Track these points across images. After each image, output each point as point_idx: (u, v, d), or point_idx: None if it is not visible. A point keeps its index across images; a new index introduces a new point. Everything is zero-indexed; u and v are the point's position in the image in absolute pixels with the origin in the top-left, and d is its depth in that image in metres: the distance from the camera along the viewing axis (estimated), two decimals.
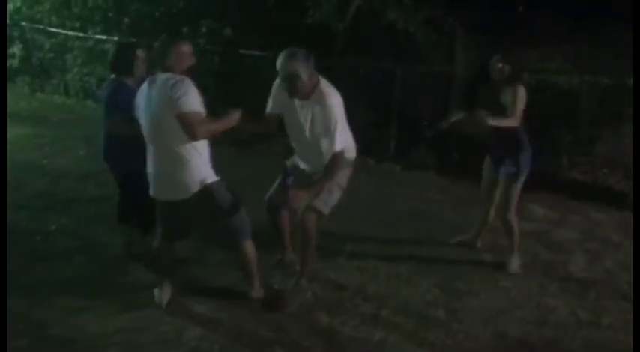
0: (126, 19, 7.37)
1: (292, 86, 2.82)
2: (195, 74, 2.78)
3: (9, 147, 6.12)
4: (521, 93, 3.25)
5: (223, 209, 2.82)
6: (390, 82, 5.54)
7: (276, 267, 3.39)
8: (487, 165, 3.63)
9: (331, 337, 2.81)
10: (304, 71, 2.78)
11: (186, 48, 2.77)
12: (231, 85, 5.87)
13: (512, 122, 3.24)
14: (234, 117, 2.83)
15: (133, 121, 2.84)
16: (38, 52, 8.69)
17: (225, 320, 2.94)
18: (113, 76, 3.38)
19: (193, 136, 2.63)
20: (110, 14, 7.62)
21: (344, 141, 2.92)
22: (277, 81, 2.98)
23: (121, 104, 3.11)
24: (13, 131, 6.80)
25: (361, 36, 5.65)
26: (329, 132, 2.83)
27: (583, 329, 2.96)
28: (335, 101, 2.86)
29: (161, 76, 2.69)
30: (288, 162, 3.21)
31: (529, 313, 3.08)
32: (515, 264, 3.52)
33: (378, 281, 3.36)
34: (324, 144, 2.86)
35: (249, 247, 2.97)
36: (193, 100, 2.62)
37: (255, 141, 5.92)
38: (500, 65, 3.25)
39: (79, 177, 5.14)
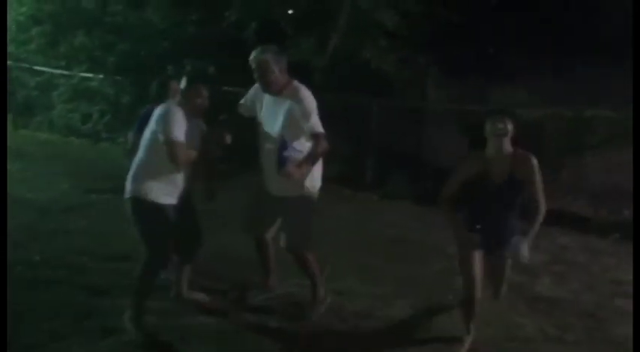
0: (111, 58, 7.60)
1: (264, 77, 3.00)
2: None
3: None
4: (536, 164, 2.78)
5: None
6: (366, 116, 5.82)
7: (261, 293, 3.50)
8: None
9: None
10: (275, 62, 2.97)
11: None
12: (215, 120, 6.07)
13: (542, 211, 2.80)
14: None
15: None
16: (23, 90, 8.83)
17: (215, 341, 3.02)
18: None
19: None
20: (95, 53, 7.85)
21: (321, 128, 3.05)
22: (255, 86, 3.17)
23: None
24: None
25: (338, 73, 5.95)
26: (308, 119, 2.97)
27: (549, 344, 3.13)
28: (309, 97, 3.01)
29: None
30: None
31: (499, 330, 3.23)
32: None
33: (354, 302, 3.49)
34: (299, 133, 2.97)
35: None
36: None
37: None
38: (501, 125, 2.72)
39: (63, 209, 5.22)
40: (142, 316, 3.09)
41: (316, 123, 3.05)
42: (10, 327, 3.08)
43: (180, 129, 2.88)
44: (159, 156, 2.92)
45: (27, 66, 8.69)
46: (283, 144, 2.92)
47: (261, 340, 3.06)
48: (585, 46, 5.52)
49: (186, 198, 3.15)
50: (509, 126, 2.73)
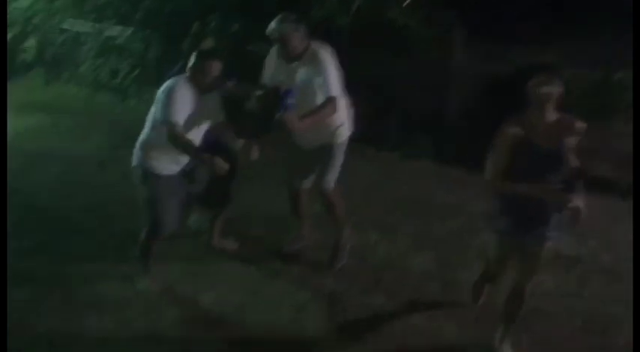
0: (137, 14, 7.63)
1: (284, 47, 3.04)
2: None
3: (27, 134, 6.44)
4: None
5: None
6: (391, 75, 5.81)
7: (296, 240, 3.70)
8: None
9: (335, 301, 3.09)
10: (294, 31, 3.00)
11: None
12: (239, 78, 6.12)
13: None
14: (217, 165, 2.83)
15: None
16: (52, 46, 8.95)
17: (239, 286, 3.22)
18: None
19: None
20: (122, 9, 7.88)
21: (340, 91, 3.09)
22: (271, 50, 3.20)
23: None
24: (29, 120, 7.08)
25: (363, 31, 5.91)
26: (325, 82, 3.00)
27: (567, 299, 3.24)
28: (328, 59, 3.04)
29: None
30: None
31: None
32: None
33: (377, 255, 3.64)
34: (320, 96, 3.03)
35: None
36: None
37: None
38: (547, 87, 2.36)
39: (94, 163, 5.40)
40: (150, 271, 3.24)
41: (333, 86, 3.05)
42: (53, 269, 3.33)
43: (179, 109, 2.83)
44: (159, 132, 2.90)
45: (55, 22, 8.77)
46: (289, 93, 2.95)
47: (286, 287, 3.23)
48: (616, 9, 5.37)
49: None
50: (557, 89, 2.35)
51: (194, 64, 2.91)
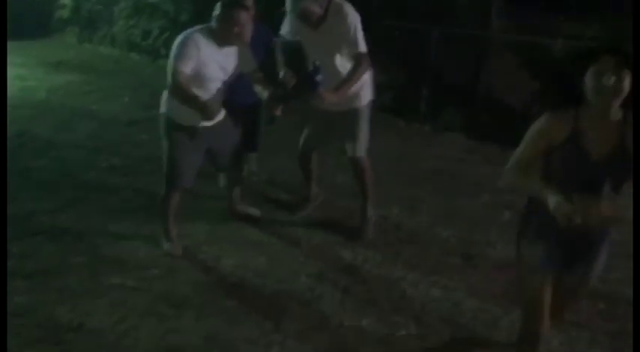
0: None
1: (308, 20, 3.00)
2: None
3: (60, 92, 6.56)
4: None
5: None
6: (424, 44, 5.63)
7: (306, 204, 3.73)
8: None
9: (354, 271, 3.09)
10: (313, 3, 2.94)
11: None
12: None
13: None
14: (211, 110, 2.84)
15: None
16: (87, 3, 9.00)
17: (260, 252, 3.24)
18: None
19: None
20: None
21: (365, 47, 3.04)
22: (288, 4, 3.06)
23: None
24: (63, 78, 7.22)
25: None
26: (350, 38, 2.97)
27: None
28: (352, 13, 3.00)
29: None
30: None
31: None
32: None
33: (399, 229, 3.60)
34: (347, 52, 3.01)
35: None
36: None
37: None
38: (612, 78, 1.75)
39: (126, 122, 5.48)
40: (173, 233, 3.24)
41: (359, 42, 3.02)
42: (80, 227, 3.42)
43: (188, 58, 2.78)
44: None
45: None
46: (316, 69, 2.92)
47: (306, 256, 3.24)
48: None
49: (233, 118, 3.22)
50: (625, 82, 1.76)
51: (219, 13, 2.85)
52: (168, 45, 7.61)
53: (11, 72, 7.34)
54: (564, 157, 1.90)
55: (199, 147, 3.07)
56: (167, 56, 2.97)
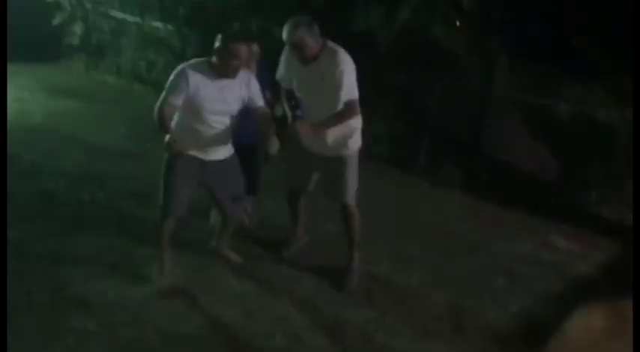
0: (181, 10, 7.65)
1: (301, 53, 3.00)
2: None
3: (57, 118, 6.48)
4: None
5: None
6: (427, 96, 5.57)
7: (291, 243, 3.65)
8: None
9: (333, 333, 2.88)
10: (309, 37, 2.96)
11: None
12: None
13: None
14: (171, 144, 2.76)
15: None
16: (97, 33, 9.08)
17: (237, 304, 3.05)
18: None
19: None
20: (167, 3, 7.92)
21: (356, 94, 3.04)
22: (285, 49, 3.17)
23: None
24: (63, 104, 7.17)
25: (405, 48, 5.70)
26: (339, 84, 2.95)
27: None
28: (344, 57, 3.00)
29: None
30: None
31: (535, 342, 3.06)
32: None
33: (387, 288, 3.41)
34: (335, 96, 2.98)
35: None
36: None
37: None
38: None
39: (117, 154, 5.37)
40: (166, 266, 3.18)
41: (349, 89, 3.00)
42: (50, 263, 3.24)
43: (178, 92, 2.80)
44: (185, 116, 2.94)
45: (103, 10, 8.90)
46: (297, 103, 2.97)
47: (284, 311, 3.04)
48: None
49: (234, 155, 3.17)
50: None
51: (219, 46, 2.84)
52: None
53: (13, 94, 7.31)
54: None
55: (197, 178, 3.05)
56: None
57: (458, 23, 5.57)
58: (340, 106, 3.02)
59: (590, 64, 4.71)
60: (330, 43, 3.06)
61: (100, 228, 3.76)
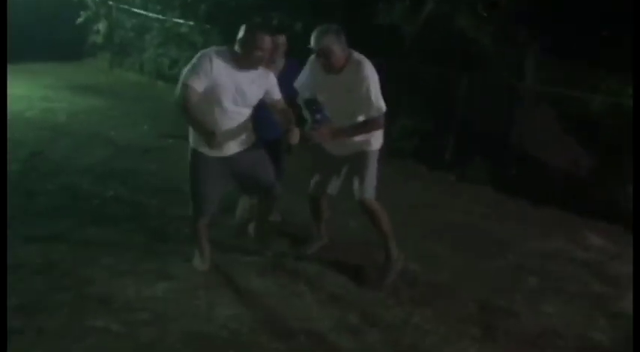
0: (202, 6, 7.64)
1: (327, 60, 2.95)
2: None
3: (81, 116, 6.53)
4: None
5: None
6: (454, 90, 5.42)
7: (313, 241, 3.62)
8: None
9: (358, 335, 2.78)
10: (337, 45, 2.91)
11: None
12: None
13: None
14: (212, 137, 2.71)
15: None
16: (120, 30, 9.15)
17: (259, 303, 2.99)
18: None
19: None
20: (188, 0, 7.92)
21: (384, 107, 3.00)
22: (311, 58, 3.12)
23: None
24: (87, 102, 7.23)
25: (430, 41, 5.56)
26: (363, 97, 2.93)
27: None
28: (369, 69, 2.95)
29: None
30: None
31: (570, 343, 2.91)
32: None
33: (414, 287, 3.30)
34: (362, 109, 2.97)
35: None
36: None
37: None
38: None
39: (140, 150, 5.36)
40: (205, 254, 3.23)
41: (377, 102, 2.96)
42: (71, 259, 3.22)
43: (201, 76, 2.69)
44: (199, 107, 2.78)
45: (126, 7, 8.96)
46: (318, 108, 2.92)
47: (307, 313, 2.96)
48: None
49: (260, 150, 3.11)
50: None
51: (242, 36, 2.77)
52: None
53: (38, 93, 7.42)
54: None
55: (223, 175, 3.02)
56: None
57: (485, 13, 5.40)
58: (364, 117, 3.00)
59: (626, 53, 4.48)
60: (356, 54, 3.00)
61: (123, 224, 3.74)
